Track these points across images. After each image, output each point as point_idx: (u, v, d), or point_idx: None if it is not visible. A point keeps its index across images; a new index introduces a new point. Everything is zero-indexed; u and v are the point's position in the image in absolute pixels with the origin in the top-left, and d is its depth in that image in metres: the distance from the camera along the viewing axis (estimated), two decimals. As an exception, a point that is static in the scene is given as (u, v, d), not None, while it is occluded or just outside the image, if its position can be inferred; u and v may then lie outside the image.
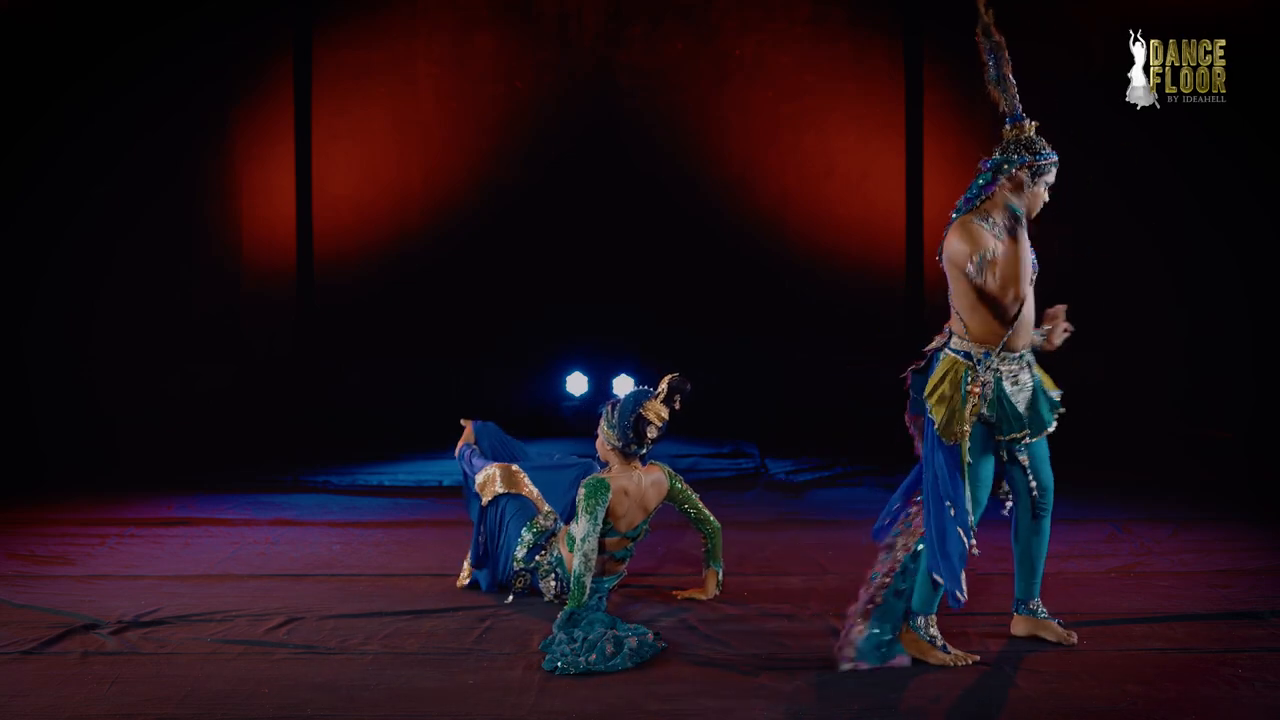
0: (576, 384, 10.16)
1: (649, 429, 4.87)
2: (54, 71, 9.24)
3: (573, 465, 5.34)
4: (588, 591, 4.63)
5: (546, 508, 5.12)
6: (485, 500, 5.13)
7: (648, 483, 4.95)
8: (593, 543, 4.69)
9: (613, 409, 4.92)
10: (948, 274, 4.29)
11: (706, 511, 5.11)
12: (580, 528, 4.72)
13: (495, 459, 5.36)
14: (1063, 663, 4.24)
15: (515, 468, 5.22)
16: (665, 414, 4.89)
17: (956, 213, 4.30)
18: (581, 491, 4.77)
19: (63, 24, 9.26)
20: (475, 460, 5.29)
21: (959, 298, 4.29)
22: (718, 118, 10.13)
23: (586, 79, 10.09)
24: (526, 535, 5.03)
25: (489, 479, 5.16)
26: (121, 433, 9.08)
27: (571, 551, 4.74)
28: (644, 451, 4.92)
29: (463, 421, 5.49)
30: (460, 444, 5.41)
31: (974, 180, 4.30)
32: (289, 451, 8.96)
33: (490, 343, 10.10)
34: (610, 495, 4.78)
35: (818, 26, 10.04)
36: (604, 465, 5.05)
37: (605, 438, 4.92)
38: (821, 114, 10.08)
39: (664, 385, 4.92)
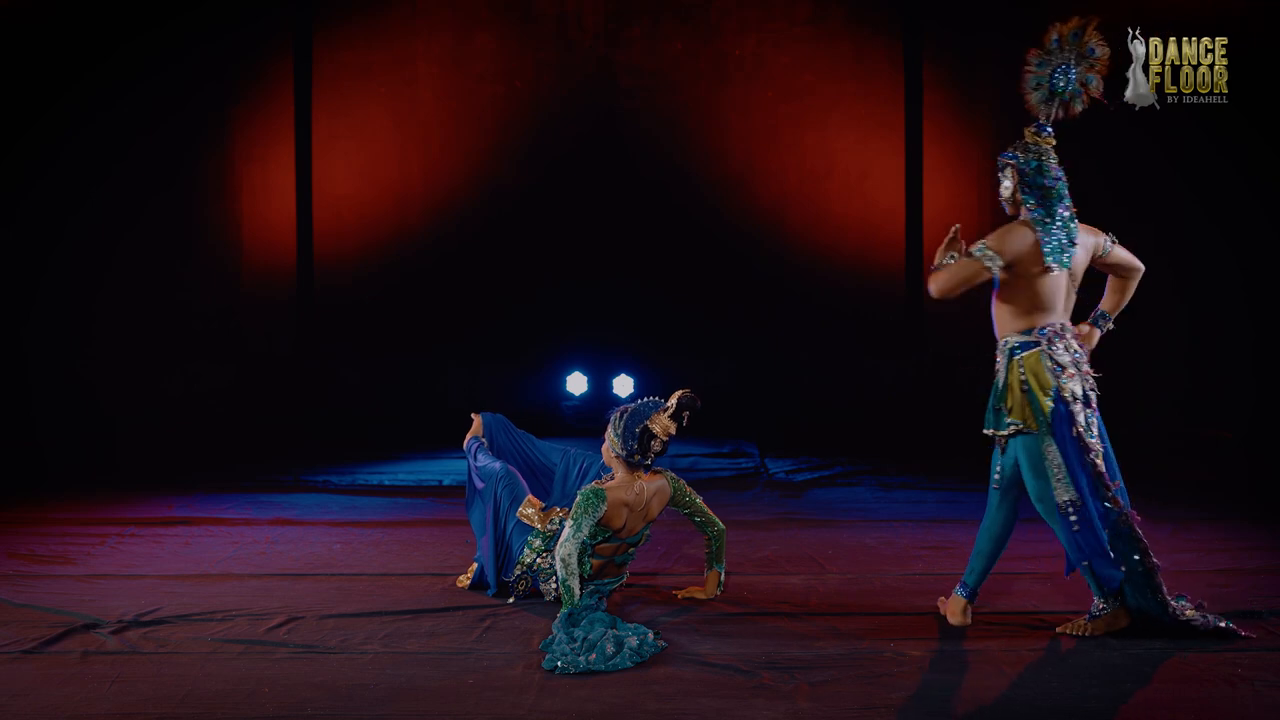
0: (576, 384, 10.17)
1: (654, 442, 4.86)
2: (54, 71, 9.24)
3: (564, 457, 5.34)
4: (576, 594, 4.62)
5: (555, 513, 5.12)
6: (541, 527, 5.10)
7: (650, 492, 4.94)
8: (570, 548, 4.68)
9: (621, 417, 4.91)
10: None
11: (711, 515, 5.10)
12: (564, 533, 4.72)
13: (504, 451, 5.34)
14: (1062, 663, 4.24)
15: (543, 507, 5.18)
16: (672, 429, 4.88)
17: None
18: (577, 498, 4.77)
19: (63, 24, 9.27)
20: (481, 456, 5.28)
21: None
22: (718, 118, 10.14)
23: (586, 79, 10.10)
24: (535, 540, 5.03)
25: (530, 518, 5.13)
26: (121, 433, 9.09)
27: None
28: (648, 462, 4.91)
29: (472, 415, 5.48)
30: (469, 436, 5.40)
31: (1063, 184, 4.60)
32: (289, 451, 8.97)
33: (490, 342, 10.11)
34: (604, 507, 4.77)
35: (818, 26, 10.05)
36: (601, 461, 5.05)
37: (610, 444, 4.92)
38: (821, 114, 10.09)
39: (674, 400, 4.90)
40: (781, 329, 10.12)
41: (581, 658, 4.17)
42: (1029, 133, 4.64)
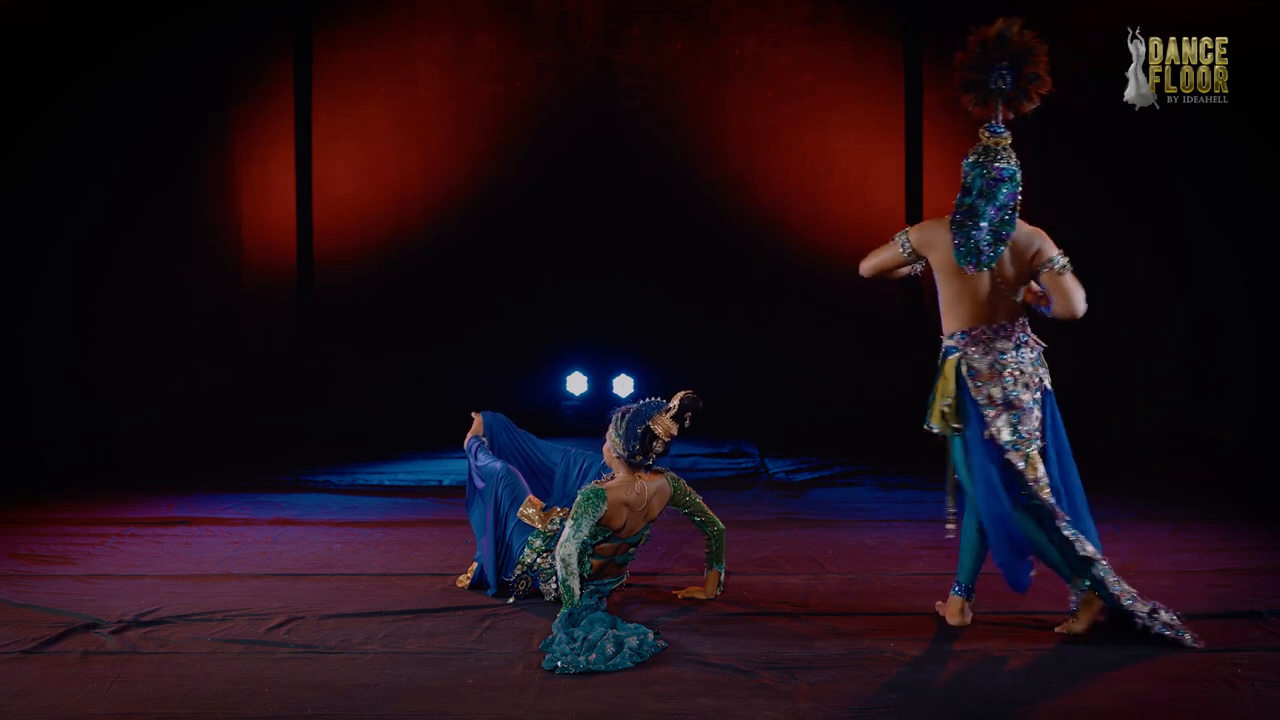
0: (576, 384, 10.17)
1: (655, 443, 4.86)
2: (54, 71, 9.24)
3: (565, 457, 5.34)
4: (576, 594, 4.62)
5: (556, 512, 5.11)
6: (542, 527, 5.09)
7: (651, 491, 4.94)
8: (570, 548, 4.67)
9: (622, 417, 4.90)
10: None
11: (712, 514, 5.10)
12: (564, 533, 4.72)
13: (505, 451, 5.34)
14: (1062, 662, 4.24)
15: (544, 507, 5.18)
16: (674, 430, 4.88)
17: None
18: (577, 498, 4.77)
19: (63, 24, 9.27)
20: (481, 455, 5.28)
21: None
22: (718, 118, 10.14)
23: (586, 79, 10.10)
24: (535, 540, 5.03)
25: (530, 518, 5.13)
26: (121, 433, 9.09)
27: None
28: (649, 463, 4.91)
29: (472, 414, 5.48)
30: (469, 436, 5.40)
31: (1007, 185, 4.51)
32: (289, 451, 8.97)
33: (490, 342, 10.11)
34: (605, 508, 4.77)
35: (818, 26, 10.05)
36: (602, 460, 5.05)
37: (612, 445, 4.92)
38: (821, 114, 10.09)
39: (676, 401, 4.90)
40: (781, 329, 10.12)
41: (581, 658, 4.18)
42: (981, 133, 4.62)
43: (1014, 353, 4.55)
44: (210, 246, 9.96)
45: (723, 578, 5.11)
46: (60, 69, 9.26)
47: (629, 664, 4.19)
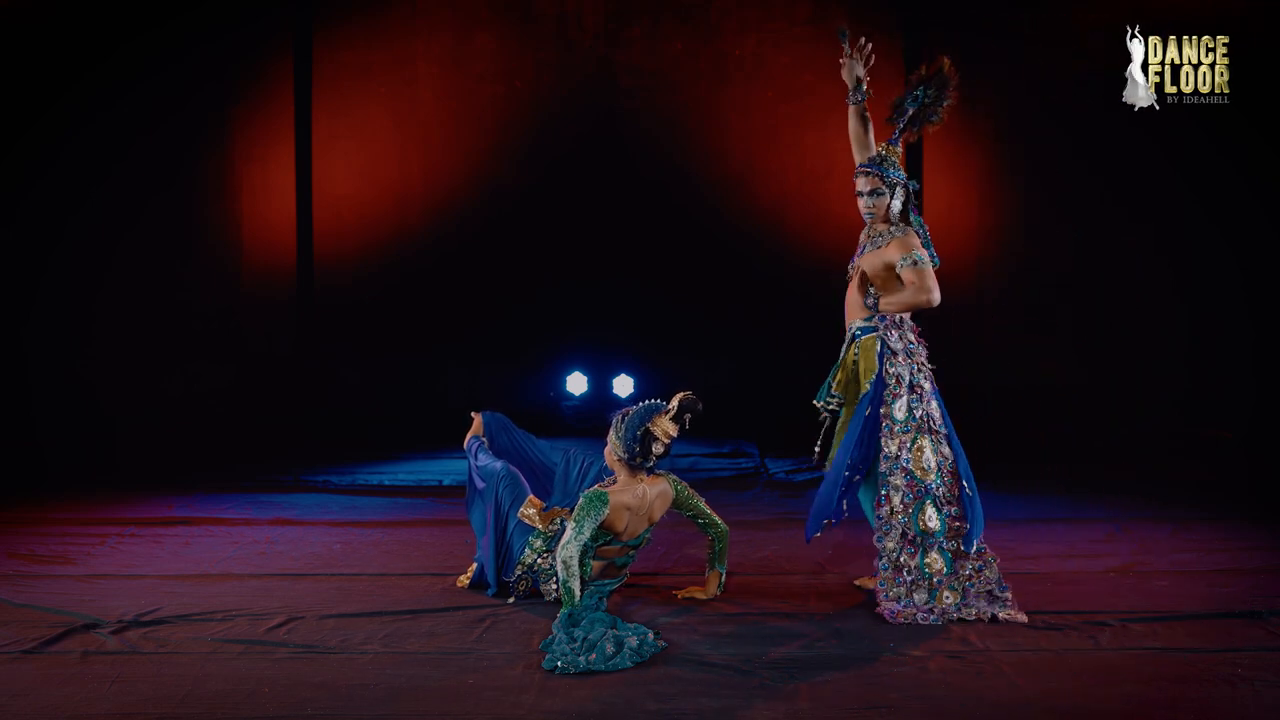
0: (576, 384, 10.17)
1: (655, 444, 4.86)
2: (54, 71, 9.24)
3: (565, 457, 5.34)
4: (577, 596, 4.62)
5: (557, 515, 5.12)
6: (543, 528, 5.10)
7: (653, 495, 4.94)
8: (571, 550, 4.67)
9: (622, 420, 4.91)
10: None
11: (714, 516, 5.11)
12: (565, 534, 4.72)
13: (505, 451, 5.35)
14: (1061, 662, 4.25)
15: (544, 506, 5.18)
16: (673, 431, 4.88)
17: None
18: (580, 500, 4.77)
19: (63, 24, 9.26)
20: (482, 455, 5.28)
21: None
22: (718, 118, 10.13)
23: (586, 79, 10.09)
24: (536, 541, 5.03)
25: (531, 518, 5.13)
26: (121, 433, 9.08)
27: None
28: (649, 464, 4.91)
29: (472, 414, 5.48)
30: (469, 436, 5.40)
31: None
32: (289, 451, 8.97)
33: (490, 342, 10.11)
34: (606, 511, 4.77)
35: (818, 26, 10.03)
36: (603, 461, 5.06)
37: (612, 447, 4.92)
38: (821, 114, 10.07)
39: (675, 403, 4.90)
40: (781, 329, 10.11)
41: (581, 658, 4.18)
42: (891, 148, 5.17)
43: (915, 343, 4.96)
44: (210, 246, 9.95)
45: (723, 578, 5.11)
46: (60, 69, 9.25)
47: (629, 664, 4.20)
